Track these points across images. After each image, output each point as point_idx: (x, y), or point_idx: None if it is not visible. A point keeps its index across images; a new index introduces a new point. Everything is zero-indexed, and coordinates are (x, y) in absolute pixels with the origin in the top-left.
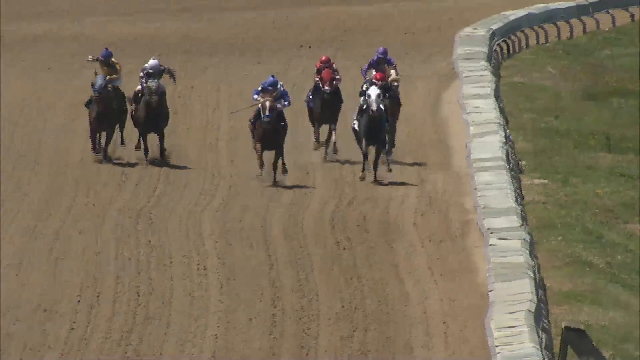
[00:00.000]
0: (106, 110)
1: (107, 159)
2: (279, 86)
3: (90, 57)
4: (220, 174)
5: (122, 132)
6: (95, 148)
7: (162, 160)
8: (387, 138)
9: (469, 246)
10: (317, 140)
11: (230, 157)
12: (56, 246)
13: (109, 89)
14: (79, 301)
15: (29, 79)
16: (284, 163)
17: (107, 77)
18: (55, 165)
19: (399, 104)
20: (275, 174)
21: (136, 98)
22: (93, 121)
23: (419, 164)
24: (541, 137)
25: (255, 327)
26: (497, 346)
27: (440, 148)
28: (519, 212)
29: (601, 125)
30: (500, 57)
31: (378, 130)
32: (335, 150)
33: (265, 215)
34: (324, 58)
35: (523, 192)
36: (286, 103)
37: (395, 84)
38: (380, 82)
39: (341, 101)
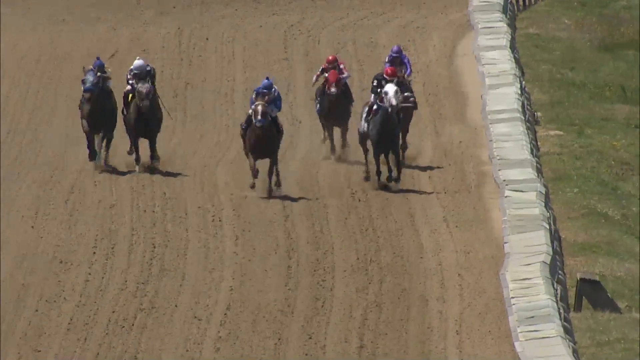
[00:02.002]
0: (99, 110)
1: (107, 164)
2: (273, 89)
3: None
4: (235, 125)
5: (110, 139)
6: (92, 155)
7: (153, 165)
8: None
9: (484, 198)
10: (329, 140)
11: (245, 109)
12: (72, 198)
13: (100, 85)
14: (94, 252)
15: (44, 31)
16: (277, 174)
17: (98, 74)
18: (71, 117)
19: (414, 106)
20: (270, 182)
21: (126, 101)
22: (86, 123)
23: (435, 116)
24: (557, 88)
25: (271, 278)
26: (512, 298)
27: (455, 99)
28: (535, 163)
29: (617, 77)
30: (515, 8)
31: (392, 133)
32: (346, 145)
33: (280, 167)
34: (330, 58)
35: (538, 143)
36: (276, 109)
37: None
38: (391, 77)
39: (351, 100)
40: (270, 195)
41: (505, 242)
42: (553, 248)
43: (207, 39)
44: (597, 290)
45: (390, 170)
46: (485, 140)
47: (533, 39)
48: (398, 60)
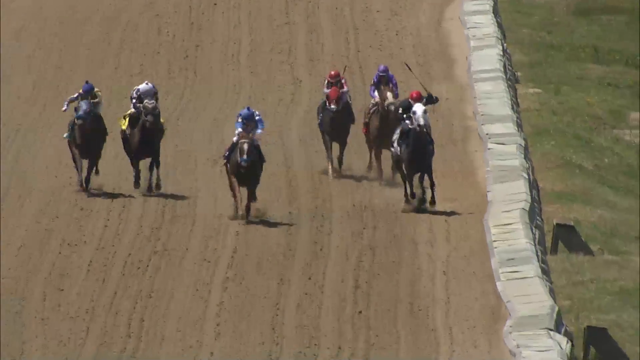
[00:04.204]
0: (91, 138)
1: (88, 187)
2: (255, 117)
3: (66, 102)
4: (241, 84)
5: (97, 160)
6: (82, 182)
7: (154, 189)
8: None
9: (469, 150)
10: (332, 164)
11: (250, 70)
12: None
13: (93, 113)
14: (112, 200)
15: None
16: (254, 195)
17: (92, 102)
18: (91, 76)
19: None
20: (248, 214)
21: (131, 121)
22: (77, 150)
23: (424, 75)
24: (536, 50)
25: (273, 224)
26: (494, 242)
27: (443, 60)
28: (515, 119)
29: (591, 39)
30: None
31: (423, 152)
32: (341, 162)
33: (282, 123)
34: (333, 73)
35: (519, 100)
36: (259, 130)
37: (392, 107)
38: (416, 100)
39: (352, 119)
40: (247, 220)
41: (488, 191)
42: (532, 196)
43: (215, 4)
44: (572, 235)
45: (424, 192)
46: (470, 98)
47: (514, 5)
48: (385, 80)
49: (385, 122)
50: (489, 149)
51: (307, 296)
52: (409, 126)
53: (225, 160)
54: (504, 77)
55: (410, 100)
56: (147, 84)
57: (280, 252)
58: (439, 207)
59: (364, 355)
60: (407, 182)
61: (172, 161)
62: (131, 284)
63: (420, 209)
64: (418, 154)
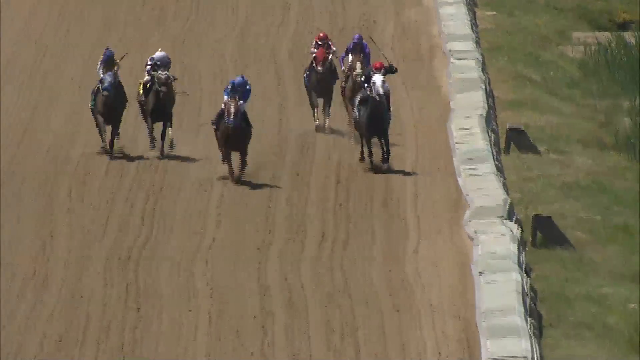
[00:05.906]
0: (114, 107)
1: (112, 150)
2: (247, 87)
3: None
4: (238, 8)
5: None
6: (106, 146)
7: (169, 148)
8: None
9: (434, 65)
10: (318, 111)
11: (246, 15)
12: None
13: (116, 84)
14: (127, 111)
15: None
16: (244, 165)
17: (114, 72)
18: (109, 5)
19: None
20: (240, 177)
21: (145, 89)
22: (101, 118)
23: (396, 1)
24: None
25: (267, 129)
26: (456, 143)
27: None
28: (474, 37)
29: None
30: None
31: (380, 119)
32: (328, 114)
33: (274, 42)
34: (321, 35)
35: (477, 21)
36: (242, 102)
37: (358, 79)
38: (378, 69)
39: (336, 77)
40: (239, 182)
41: (451, 100)
42: (488, 104)
43: None
44: (522, 137)
45: (383, 152)
46: (435, 19)
47: None
48: (359, 48)
49: (357, 87)
50: (451, 63)
51: (295, 190)
52: (368, 94)
53: (214, 126)
54: (465, 1)
55: (373, 69)
56: (160, 50)
57: (272, 152)
58: (407, 114)
59: (344, 240)
60: (364, 143)
61: (180, 76)
62: (144, 180)
63: (376, 168)
64: (375, 120)
